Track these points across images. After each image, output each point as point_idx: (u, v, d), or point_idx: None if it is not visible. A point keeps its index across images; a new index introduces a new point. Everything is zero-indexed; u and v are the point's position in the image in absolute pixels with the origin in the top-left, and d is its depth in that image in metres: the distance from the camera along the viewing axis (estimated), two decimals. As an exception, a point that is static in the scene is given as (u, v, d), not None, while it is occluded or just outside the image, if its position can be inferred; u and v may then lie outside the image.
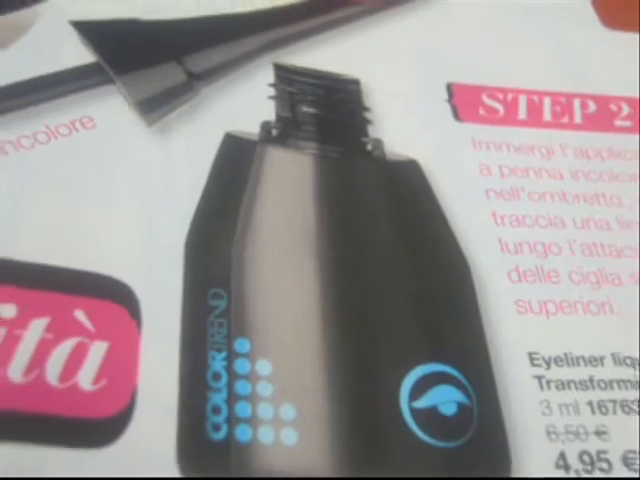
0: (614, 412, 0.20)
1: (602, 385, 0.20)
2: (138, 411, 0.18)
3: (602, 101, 0.26)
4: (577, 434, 0.19)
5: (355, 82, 0.23)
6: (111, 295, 0.19)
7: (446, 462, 0.18)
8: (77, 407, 0.17)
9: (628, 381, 0.20)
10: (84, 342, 0.18)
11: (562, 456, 0.19)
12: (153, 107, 0.22)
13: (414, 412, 0.18)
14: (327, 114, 0.22)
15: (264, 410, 0.18)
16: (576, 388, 0.20)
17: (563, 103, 0.25)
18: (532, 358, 0.20)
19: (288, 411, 0.18)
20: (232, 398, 0.18)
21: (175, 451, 0.17)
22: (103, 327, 0.18)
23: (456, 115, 0.24)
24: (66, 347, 0.18)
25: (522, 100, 0.25)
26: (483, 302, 0.21)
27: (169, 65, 0.22)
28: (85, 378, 0.17)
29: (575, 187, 0.23)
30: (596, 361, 0.21)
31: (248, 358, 0.18)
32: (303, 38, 0.24)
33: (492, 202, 0.23)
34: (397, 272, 0.21)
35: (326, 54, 0.24)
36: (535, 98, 0.25)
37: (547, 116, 0.25)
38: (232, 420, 0.18)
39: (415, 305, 0.20)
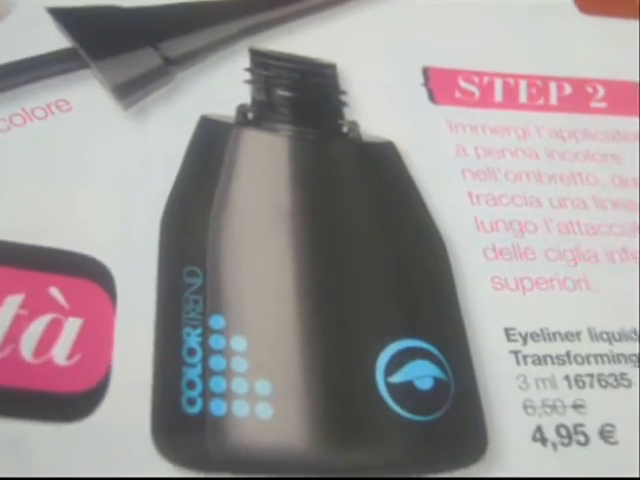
0: (591, 386, 0.20)
1: (579, 360, 0.20)
2: (113, 386, 0.18)
3: (578, 83, 0.26)
4: (554, 407, 0.19)
5: (331, 66, 0.23)
6: (86, 273, 0.19)
7: (422, 435, 0.18)
8: (52, 382, 0.17)
9: (605, 355, 0.20)
10: (58, 318, 0.18)
11: (539, 429, 0.19)
12: (129, 91, 0.22)
13: (390, 387, 0.19)
14: (303, 97, 0.22)
15: (239, 385, 0.18)
16: (553, 363, 0.20)
17: (539, 86, 0.25)
18: (508, 334, 0.20)
19: (263, 386, 0.18)
20: (207, 373, 0.18)
21: (150, 424, 0.17)
22: (77, 304, 0.18)
23: (432, 98, 0.24)
24: (40, 323, 0.18)
25: (498, 83, 0.25)
26: (459, 279, 0.21)
27: (145, 50, 0.22)
28: (60, 353, 0.18)
29: (551, 167, 0.24)
30: (572, 336, 0.21)
31: (223, 334, 0.18)
32: (280, 24, 0.24)
33: (468, 182, 0.23)
34: (373, 250, 0.21)
35: (302, 40, 0.24)
36: (511, 81, 0.25)
37: (523, 98, 0.25)
38: (207, 394, 0.18)
39: (392, 282, 0.20)
